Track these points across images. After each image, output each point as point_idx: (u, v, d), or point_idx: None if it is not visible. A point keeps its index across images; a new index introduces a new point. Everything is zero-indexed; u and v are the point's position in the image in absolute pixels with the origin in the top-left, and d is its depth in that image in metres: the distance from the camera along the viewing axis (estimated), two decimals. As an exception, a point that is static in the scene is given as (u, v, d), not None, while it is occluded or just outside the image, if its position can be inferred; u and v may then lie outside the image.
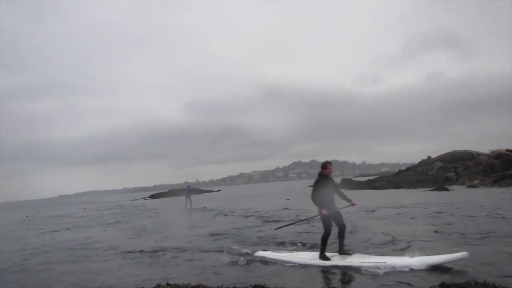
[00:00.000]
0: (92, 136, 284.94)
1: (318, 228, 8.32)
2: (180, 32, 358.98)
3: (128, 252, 8.35)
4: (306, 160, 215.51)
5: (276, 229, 8.10)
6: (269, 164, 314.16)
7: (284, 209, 17.42)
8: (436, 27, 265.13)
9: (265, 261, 6.50)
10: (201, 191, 59.29)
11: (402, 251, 6.41)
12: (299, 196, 29.06)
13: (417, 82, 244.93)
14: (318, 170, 6.32)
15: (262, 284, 4.79)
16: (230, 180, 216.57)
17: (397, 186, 30.31)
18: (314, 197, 6.02)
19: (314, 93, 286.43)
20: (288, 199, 25.00)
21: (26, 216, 26.34)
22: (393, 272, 5.21)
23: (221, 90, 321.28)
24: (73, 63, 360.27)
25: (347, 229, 6.51)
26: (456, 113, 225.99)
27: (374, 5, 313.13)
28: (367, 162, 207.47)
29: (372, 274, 5.22)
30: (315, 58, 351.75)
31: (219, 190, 72.13)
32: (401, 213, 12.37)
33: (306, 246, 7.64)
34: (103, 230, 13.86)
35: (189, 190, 22.95)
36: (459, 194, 19.64)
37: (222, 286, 4.90)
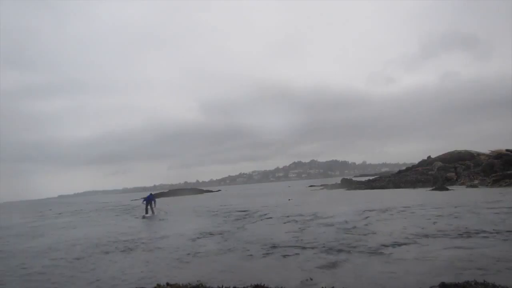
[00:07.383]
0: (95, 137, 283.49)
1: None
2: (198, 31, 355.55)
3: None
4: (306, 160, 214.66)
5: None
6: (270, 164, 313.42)
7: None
8: (453, 27, 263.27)
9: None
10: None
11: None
12: (299, 196, 29.14)
13: (429, 83, 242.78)
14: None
15: (262, 284, 4.79)
16: (230, 180, 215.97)
17: (397, 186, 30.27)
18: None
19: (321, 93, 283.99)
20: (290, 199, 25.11)
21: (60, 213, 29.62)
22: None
23: (230, 90, 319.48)
24: (85, 63, 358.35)
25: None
26: (459, 114, 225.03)
27: (389, 4, 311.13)
28: (367, 162, 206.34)
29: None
30: (324, 58, 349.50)
31: (219, 190, 72.04)
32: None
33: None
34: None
35: (150, 197, 23.61)
36: (458, 194, 19.62)
37: (222, 286, 4.90)
